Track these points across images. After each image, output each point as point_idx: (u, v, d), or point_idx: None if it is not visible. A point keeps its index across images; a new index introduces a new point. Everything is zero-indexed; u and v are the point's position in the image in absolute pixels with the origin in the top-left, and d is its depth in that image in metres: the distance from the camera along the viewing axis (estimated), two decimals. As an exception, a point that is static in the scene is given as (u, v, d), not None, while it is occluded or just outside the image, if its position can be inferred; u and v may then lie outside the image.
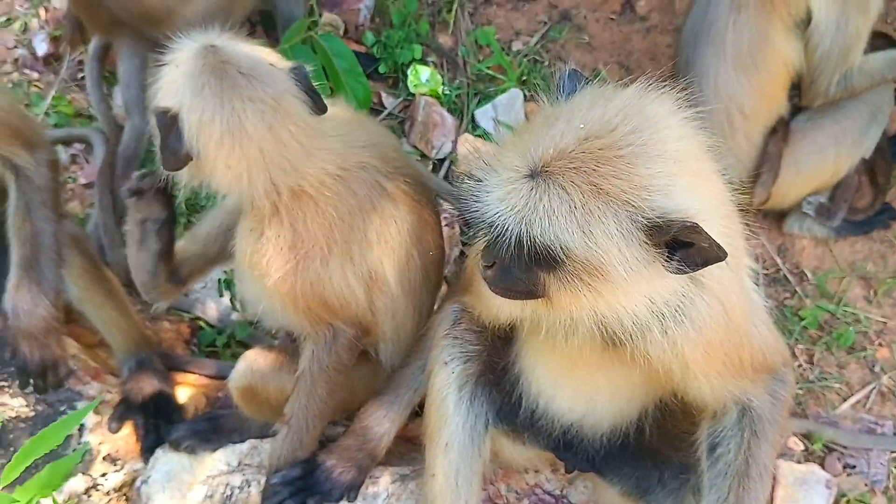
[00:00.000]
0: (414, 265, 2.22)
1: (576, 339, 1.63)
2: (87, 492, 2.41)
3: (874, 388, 3.17)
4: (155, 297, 2.39)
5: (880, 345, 3.27)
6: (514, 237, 1.43)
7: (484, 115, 3.69)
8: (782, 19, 3.00)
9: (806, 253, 3.44)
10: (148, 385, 2.62)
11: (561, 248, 1.42)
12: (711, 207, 1.50)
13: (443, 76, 3.81)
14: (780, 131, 3.18)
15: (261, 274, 2.09)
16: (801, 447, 3.01)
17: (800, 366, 3.22)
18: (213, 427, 2.46)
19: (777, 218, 3.45)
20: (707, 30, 3.11)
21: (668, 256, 1.45)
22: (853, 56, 3.02)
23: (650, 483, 1.99)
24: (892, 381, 3.20)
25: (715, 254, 1.43)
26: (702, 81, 3.15)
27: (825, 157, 3.18)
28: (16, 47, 3.89)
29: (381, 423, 2.16)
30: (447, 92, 3.75)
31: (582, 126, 1.43)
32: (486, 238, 1.51)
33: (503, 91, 3.72)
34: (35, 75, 3.86)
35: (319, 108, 2.06)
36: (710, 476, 1.80)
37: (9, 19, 3.94)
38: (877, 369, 3.22)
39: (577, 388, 1.91)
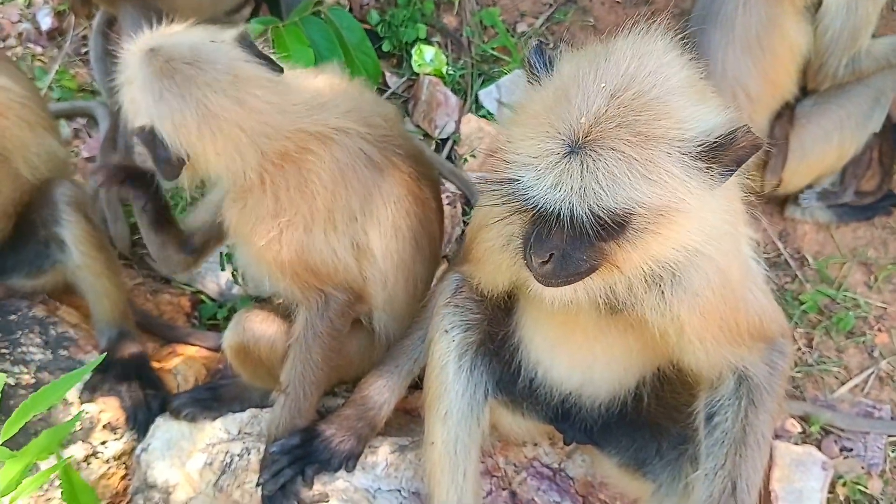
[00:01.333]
0: (402, 237, 2.21)
1: (575, 305, 1.63)
2: (86, 459, 2.42)
3: (872, 372, 3.18)
4: (173, 269, 2.41)
5: (879, 330, 3.27)
6: (581, 216, 1.40)
7: (487, 95, 3.68)
8: (792, 3, 3.00)
9: (807, 238, 3.44)
10: (131, 353, 2.62)
11: (635, 205, 1.41)
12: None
13: (447, 56, 3.80)
14: (785, 116, 3.17)
15: (247, 242, 2.10)
16: (799, 429, 3.02)
17: (799, 349, 3.22)
18: (214, 396, 2.46)
19: (779, 203, 3.45)
20: (716, 13, 3.10)
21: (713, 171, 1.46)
22: (862, 39, 3.01)
23: (648, 454, 1.99)
24: (890, 365, 3.20)
25: (754, 143, 1.44)
26: (709, 64, 3.13)
27: (830, 141, 3.18)
28: (20, 21, 3.88)
29: (381, 392, 2.16)
30: (451, 72, 3.74)
31: (604, 85, 1.42)
32: (540, 230, 1.46)
33: (507, 72, 3.71)
34: (39, 50, 3.85)
35: (274, 69, 2.07)
36: (707, 444, 1.80)
37: (13, -7, 3.94)
38: (875, 354, 3.22)
39: (575, 356, 1.91)
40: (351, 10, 3.93)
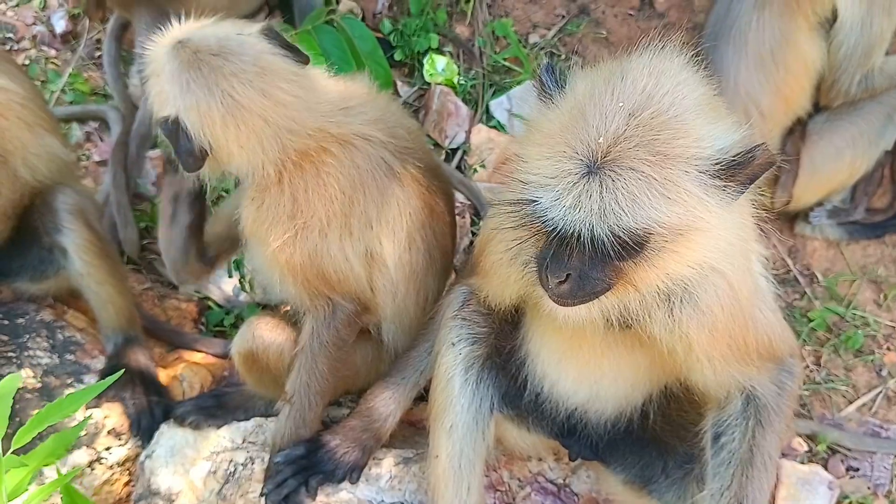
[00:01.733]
0: (416, 249, 2.21)
1: (586, 322, 1.63)
2: (90, 465, 2.42)
3: (881, 391, 3.16)
4: (185, 278, 2.42)
5: (888, 349, 3.25)
6: (601, 237, 1.40)
7: (498, 106, 3.68)
8: (806, 18, 2.99)
9: (817, 255, 3.43)
10: (138, 360, 2.62)
11: (655, 225, 1.41)
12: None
13: (459, 66, 3.81)
14: (797, 132, 3.16)
15: (261, 242, 2.10)
16: (805, 448, 2.99)
17: (807, 367, 3.20)
18: (219, 403, 2.46)
19: (789, 219, 3.43)
20: (729, 27, 3.09)
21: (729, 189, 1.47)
22: (875, 56, 3.00)
23: (654, 472, 1.98)
24: (899, 385, 3.18)
25: (769, 160, 1.45)
26: (721, 79, 3.13)
27: (841, 159, 3.16)
28: (34, 24, 3.90)
29: (387, 404, 2.16)
30: (462, 82, 3.74)
31: (621, 104, 1.42)
32: (557, 251, 1.45)
33: (518, 83, 3.71)
34: (53, 52, 3.87)
35: (301, 61, 2.08)
36: (714, 465, 1.79)
37: (28, -5, 3.96)
38: (884, 373, 3.20)
39: (582, 371, 1.91)
40: (364, 18, 3.94)
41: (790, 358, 1.82)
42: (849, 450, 3.02)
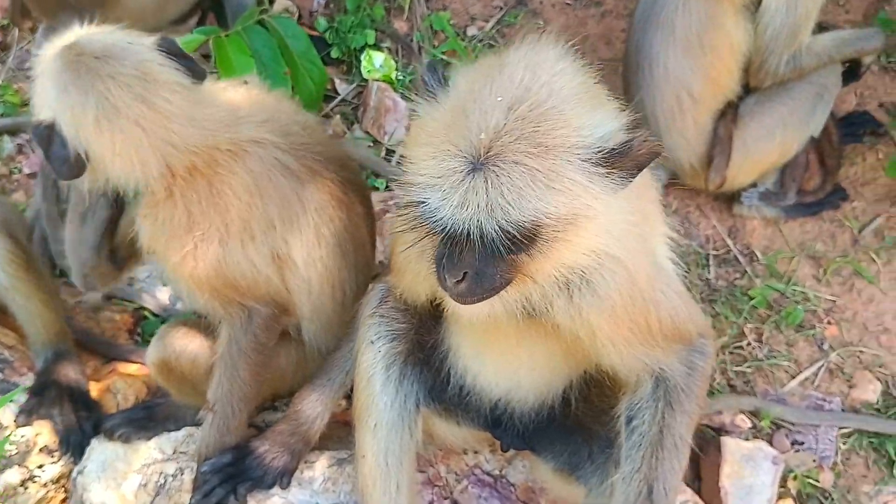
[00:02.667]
0: (326, 244, 2.18)
1: (493, 316, 1.63)
2: (23, 483, 2.37)
3: (822, 365, 3.21)
4: (93, 283, 2.33)
5: (829, 323, 3.30)
6: (490, 233, 1.40)
7: (438, 100, 3.67)
8: (731, 2, 3.02)
9: (756, 234, 3.47)
10: (68, 375, 2.57)
11: (543, 216, 1.41)
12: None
13: (397, 62, 3.79)
14: (728, 115, 3.20)
15: (161, 258, 2.07)
16: (749, 424, 3.04)
17: (749, 344, 3.25)
18: (148, 415, 2.43)
19: (727, 200, 3.48)
20: (657, 13, 3.12)
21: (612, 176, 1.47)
22: (802, 36, 3.04)
23: (580, 459, 2.00)
24: (840, 357, 3.23)
25: (652, 150, 1.45)
26: (652, 65, 3.17)
27: (773, 139, 3.20)
28: (-40, 36, 3.82)
29: (314, 406, 2.15)
30: (401, 77, 3.73)
31: (500, 98, 1.42)
32: (451, 250, 1.45)
33: (457, 76, 3.71)
34: (-19, 64, 3.79)
35: (197, 76, 2.03)
36: (626, 448, 1.81)
37: (-47, 7, 3.87)
38: (825, 347, 3.26)
39: (500, 361, 1.91)
40: (301, 17, 3.91)
41: (700, 339, 1.83)
42: (793, 424, 3.07)
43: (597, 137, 1.46)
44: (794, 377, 3.20)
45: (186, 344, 2.20)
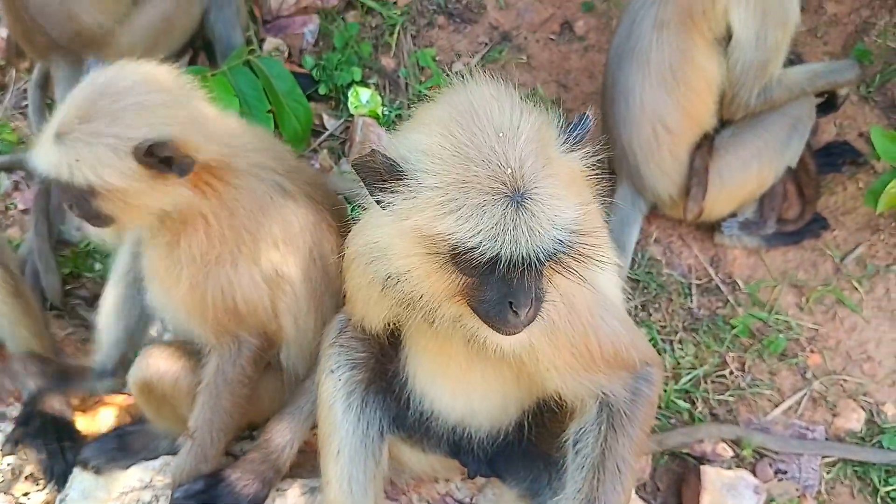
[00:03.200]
0: (314, 266, 2.24)
1: (442, 328, 1.70)
2: (8, 511, 2.43)
3: (805, 394, 3.22)
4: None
5: (812, 351, 3.32)
6: (549, 251, 1.47)
7: (423, 134, 3.75)
8: (703, 36, 3.10)
9: (738, 263, 3.51)
10: (52, 406, 2.62)
11: (577, 222, 1.49)
12: None
13: (383, 97, 3.88)
14: (704, 147, 3.26)
15: (171, 286, 2.12)
16: (731, 453, 3.04)
17: (731, 373, 3.27)
18: (120, 445, 2.47)
19: (709, 230, 3.52)
20: (632, 48, 3.20)
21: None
22: (772, 68, 3.11)
23: (541, 485, 2.02)
24: (823, 386, 3.25)
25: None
26: (628, 98, 3.24)
27: (749, 170, 3.25)
28: (-40, 76, 3.93)
29: (284, 434, 2.19)
30: (387, 112, 3.81)
31: (501, 134, 1.48)
32: (517, 285, 1.49)
33: (441, 110, 3.79)
34: (-21, 103, 3.90)
35: None
36: (571, 470, 1.85)
37: (-47, 49, 3.98)
38: (808, 375, 3.27)
39: (455, 387, 1.95)
40: (290, 55, 4.01)
41: (647, 367, 1.87)
42: (776, 453, 3.08)
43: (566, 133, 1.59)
44: (777, 406, 3.21)
45: (170, 366, 2.25)
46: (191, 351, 2.28)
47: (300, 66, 3.91)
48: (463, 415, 2.00)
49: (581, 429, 1.85)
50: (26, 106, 3.84)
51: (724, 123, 3.30)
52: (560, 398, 1.84)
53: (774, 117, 3.24)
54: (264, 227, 2.14)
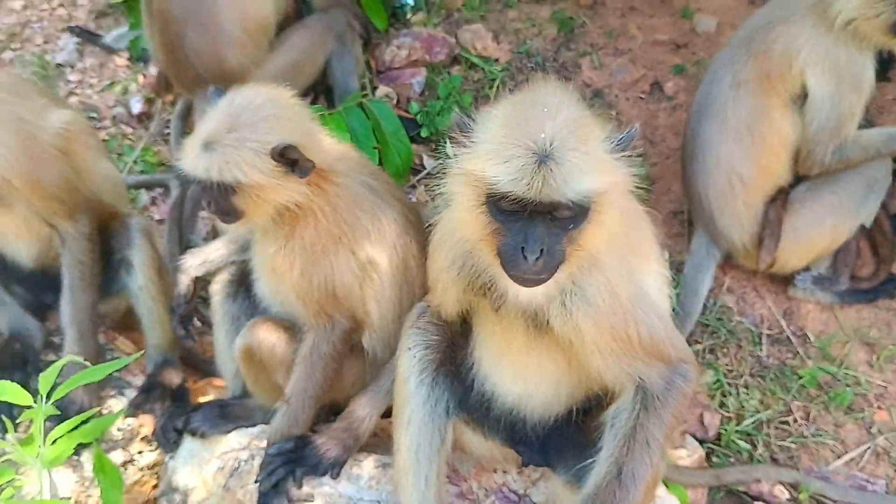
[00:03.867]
0: (398, 259, 2.56)
1: (506, 315, 1.98)
2: (124, 465, 2.80)
3: (869, 447, 3.26)
4: None
5: (879, 407, 3.36)
6: (561, 205, 1.76)
7: (512, 176, 4.06)
8: (779, 95, 3.30)
9: (811, 317, 3.59)
10: (171, 380, 3.02)
11: (594, 190, 1.79)
12: None
13: (479, 142, 4.23)
14: (779, 200, 3.41)
15: (285, 272, 2.46)
16: (787, 496, 3.11)
17: (795, 421, 3.34)
18: (223, 413, 2.81)
19: (783, 283, 3.63)
20: (711, 105, 3.43)
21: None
22: (847, 129, 3.26)
23: (585, 471, 2.18)
24: (888, 441, 3.27)
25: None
26: (705, 152, 3.46)
27: (822, 225, 3.37)
28: (115, 106, 4.55)
29: (364, 407, 2.47)
30: (480, 156, 4.15)
31: (546, 110, 1.80)
32: (528, 232, 1.79)
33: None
34: (129, 130, 4.50)
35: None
36: (606, 441, 2.05)
37: (112, 83, 4.63)
38: (874, 430, 3.31)
39: (514, 370, 2.20)
40: (398, 101, 4.44)
41: (682, 364, 2.07)
42: (834, 501, 3.12)
43: (613, 137, 1.88)
44: (839, 457, 3.26)
45: (269, 335, 2.59)
46: (287, 326, 2.61)
47: (406, 111, 4.33)
48: (520, 397, 2.23)
49: (618, 408, 2.07)
50: (168, 133, 4.40)
51: (799, 179, 3.45)
52: (601, 381, 2.06)
53: (850, 176, 3.36)
54: (360, 220, 2.48)
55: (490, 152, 1.80)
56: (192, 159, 2.34)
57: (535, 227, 1.80)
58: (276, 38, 3.96)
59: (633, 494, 1.98)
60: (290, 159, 2.35)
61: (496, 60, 4.56)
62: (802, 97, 3.28)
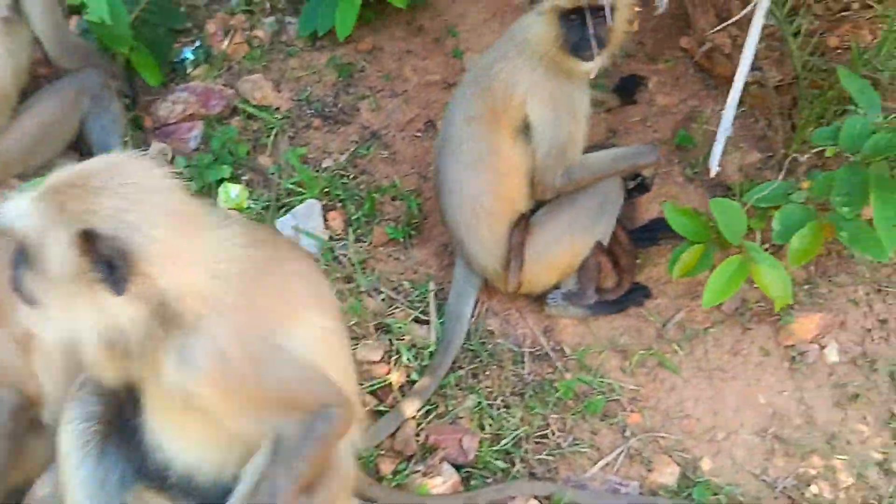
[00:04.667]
0: None
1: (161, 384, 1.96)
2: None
3: (622, 450, 3.44)
4: None
5: (632, 411, 3.55)
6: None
7: (284, 224, 4.10)
8: (506, 127, 3.51)
9: (568, 331, 3.78)
10: None
11: None
12: None
13: (252, 192, 4.26)
14: (521, 224, 3.60)
15: None
16: (541, 510, 3.23)
17: (553, 433, 3.48)
18: None
19: (540, 301, 3.81)
20: (449, 141, 3.62)
21: None
22: (571, 154, 3.50)
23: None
24: (640, 443, 3.46)
25: None
26: (451, 185, 3.63)
27: (561, 245, 3.58)
28: None
29: (43, 487, 2.43)
30: (252, 205, 4.18)
31: None
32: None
33: (301, 202, 4.15)
34: None
35: None
36: (231, 498, 2.10)
37: None
38: (627, 433, 3.49)
39: (177, 436, 2.21)
40: (174, 158, 4.41)
41: (326, 408, 2.12)
42: (588, 508, 3.26)
43: None
44: (595, 463, 3.42)
45: None
46: None
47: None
48: (188, 463, 2.23)
49: (252, 463, 2.10)
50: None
51: (541, 204, 3.66)
52: (250, 441, 2.08)
53: (584, 197, 3.59)
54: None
55: None
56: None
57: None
58: (21, 103, 3.88)
59: None
60: None
61: (276, 109, 4.62)
62: (527, 127, 3.50)
